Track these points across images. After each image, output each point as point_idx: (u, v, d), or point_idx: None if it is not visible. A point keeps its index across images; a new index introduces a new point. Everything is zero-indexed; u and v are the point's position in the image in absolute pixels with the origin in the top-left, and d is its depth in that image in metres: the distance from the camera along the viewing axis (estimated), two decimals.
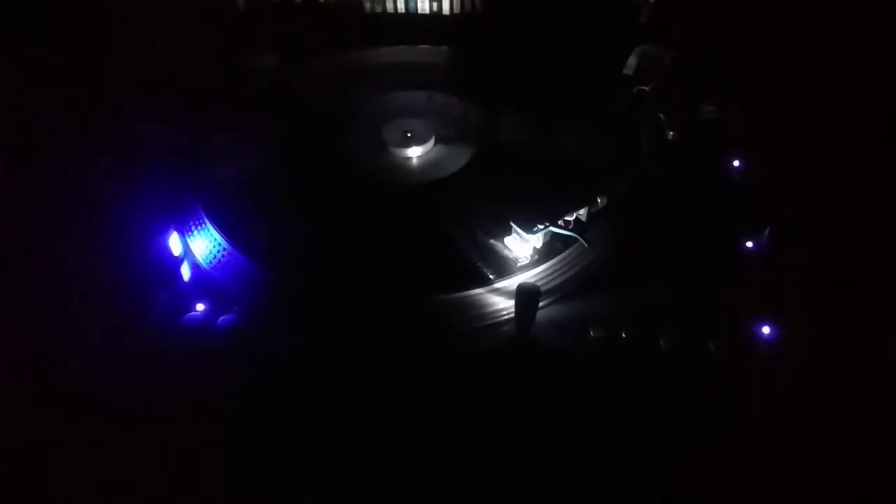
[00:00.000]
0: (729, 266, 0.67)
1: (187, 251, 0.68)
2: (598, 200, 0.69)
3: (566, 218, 0.67)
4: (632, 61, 0.87)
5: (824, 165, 0.77)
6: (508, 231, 0.66)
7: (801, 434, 0.56)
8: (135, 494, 0.55)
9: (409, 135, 0.79)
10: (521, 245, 0.66)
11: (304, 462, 0.56)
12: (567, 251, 0.66)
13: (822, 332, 0.61)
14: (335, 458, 0.56)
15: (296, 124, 0.85)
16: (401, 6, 1.02)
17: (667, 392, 0.58)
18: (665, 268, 0.67)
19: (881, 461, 0.55)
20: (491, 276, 0.64)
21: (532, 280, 0.63)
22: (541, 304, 0.62)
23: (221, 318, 0.62)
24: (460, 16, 1.02)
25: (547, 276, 0.65)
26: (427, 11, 1.02)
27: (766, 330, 0.61)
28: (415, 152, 0.79)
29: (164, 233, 0.65)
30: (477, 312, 0.63)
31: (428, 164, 0.78)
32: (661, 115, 0.81)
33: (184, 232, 0.70)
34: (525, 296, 0.59)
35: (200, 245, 0.70)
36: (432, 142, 0.79)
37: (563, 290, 0.65)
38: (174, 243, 0.66)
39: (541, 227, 0.65)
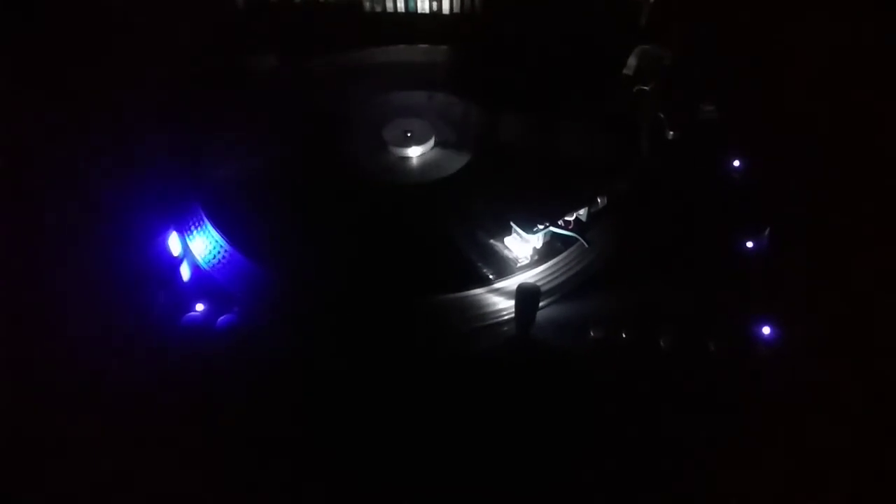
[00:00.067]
0: (729, 266, 0.67)
1: (187, 251, 0.68)
2: (598, 200, 0.69)
3: (566, 218, 0.67)
4: (632, 61, 0.87)
5: (824, 165, 0.77)
6: (508, 231, 0.66)
7: (801, 434, 0.56)
8: (135, 494, 0.55)
9: (408, 135, 0.79)
10: (521, 245, 0.66)
11: (305, 462, 0.56)
12: (567, 251, 0.66)
13: (822, 332, 0.61)
14: (335, 458, 0.56)
15: (295, 124, 0.85)
16: (400, 6, 1.02)
17: (667, 392, 0.58)
18: (665, 268, 0.67)
19: (881, 461, 0.55)
20: (491, 277, 0.64)
21: (532, 280, 0.63)
22: (541, 304, 0.62)
23: (221, 318, 0.62)
24: (460, 15, 1.02)
25: (547, 276, 0.65)
26: (427, 11, 1.02)
27: (766, 330, 0.61)
28: (415, 152, 0.79)
29: (163, 233, 0.65)
30: (477, 312, 0.63)
31: (428, 164, 0.78)
32: (661, 115, 0.81)
33: (183, 232, 0.70)
34: (525, 296, 0.59)
35: (200, 245, 0.70)
36: (432, 142, 0.79)
37: (563, 291, 0.65)
38: (174, 243, 0.65)
39: (541, 227, 0.65)
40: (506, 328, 0.63)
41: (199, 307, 0.63)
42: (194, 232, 0.71)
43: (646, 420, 0.57)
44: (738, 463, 0.55)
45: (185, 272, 0.67)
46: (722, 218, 0.71)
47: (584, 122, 0.82)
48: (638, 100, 0.84)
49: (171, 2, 1.02)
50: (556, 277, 0.66)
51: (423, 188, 0.75)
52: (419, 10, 1.02)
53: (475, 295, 0.64)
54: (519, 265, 0.65)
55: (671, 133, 0.80)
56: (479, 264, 0.65)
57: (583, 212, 0.67)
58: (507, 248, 0.66)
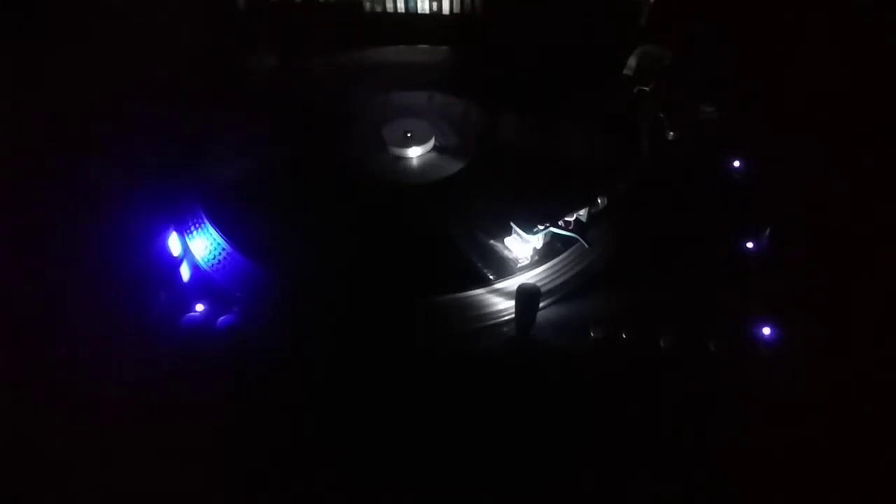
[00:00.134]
0: (729, 266, 0.67)
1: (186, 251, 0.68)
2: (599, 201, 0.69)
3: (566, 218, 0.67)
4: (632, 62, 0.87)
5: (824, 165, 0.77)
6: (509, 231, 0.66)
7: (801, 434, 0.56)
8: (134, 494, 0.55)
9: (409, 135, 0.79)
10: (521, 245, 0.66)
11: (305, 462, 0.56)
12: (567, 252, 0.66)
13: (822, 332, 0.61)
14: (335, 457, 0.56)
15: (295, 124, 0.85)
16: (400, 6, 1.02)
17: (667, 392, 0.58)
18: (665, 268, 0.67)
19: (881, 461, 0.55)
20: (491, 277, 0.64)
21: (532, 281, 0.63)
22: (541, 304, 0.62)
23: (221, 318, 0.62)
24: (460, 16, 1.02)
25: (547, 276, 0.65)
26: (427, 11, 1.02)
27: (766, 330, 0.61)
28: (415, 152, 0.79)
29: (163, 233, 0.65)
30: (477, 313, 0.63)
31: (428, 165, 0.78)
32: (661, 116, 0.81)
33: (183, 232, 0.70)
34: (525, 296, 0.59)
35: (200, 245, 0.70)
36: (432, 142, 0.79)
37: (563, 291, 0.65)
38: (174, 244, 0.65)
39: (541, 227, 0.65)
40: (506, 328, 0.63)
41: (199, 307, 0.63)
42: (194, 232, 0.71)
43: (646, 420, 0.57)
44: (738, 463, 0.55)
45: (185, 272, 0.67)
46: (722, 218, 0.71)
47: (584, 122, 0.82)
48: (638, 100, 0.84)
49: (171, 2, 1.02)
50: (557, 278, 0.66)
51: (423, 188, 0.75)
52: (419, 11, 1.02)
53: (475, 295, 0.64)
54: (519, 265, 0.65)
55: (671, 133, 0.80)
56: (480, 265, 0.65)
57: (583, 212, 0.67)
58: (507, 248, 0.66)
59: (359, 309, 0.64)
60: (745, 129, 0.82)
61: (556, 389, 0.59)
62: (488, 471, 0.55)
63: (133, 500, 0.55)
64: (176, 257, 0.66)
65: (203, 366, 0.59)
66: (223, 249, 0.68)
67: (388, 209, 0.72)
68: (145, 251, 0.65)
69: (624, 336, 0.61)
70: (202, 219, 0.71)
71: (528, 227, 0.65)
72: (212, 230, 0.70)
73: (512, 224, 0.65)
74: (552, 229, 0.65)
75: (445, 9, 1.02)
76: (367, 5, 1.02)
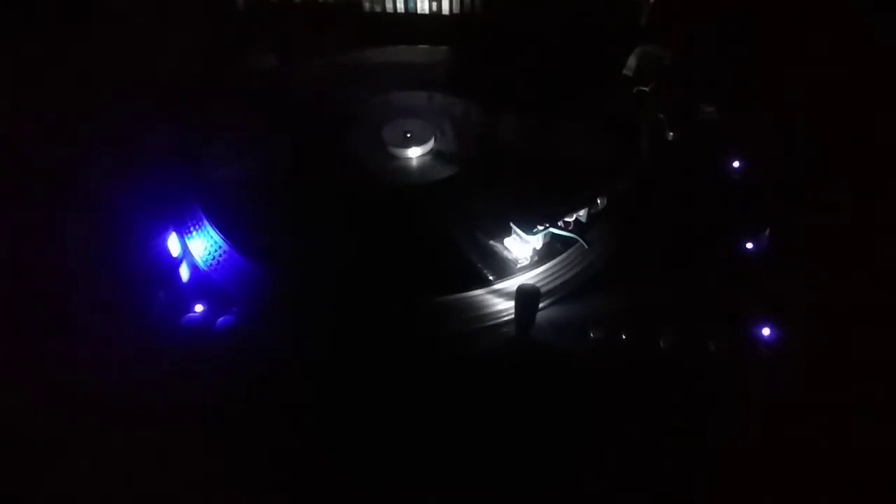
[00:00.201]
0: (729, 267, 0.67)
1: (186, 252, 0.68)
2: (598, 201, 0.69)
3: (566, 219, 0.67)
4: (632, 62, 0.87)
5: (824, 165, 0.77)
6: (508, 232, 0.66)
7: (801, 434, 0.56)
8: (135, 494, 0.55)
9: (408, 135, 0.79)
10: (520, 246, 0.66)
11: (304, 462, 0.56)
12: (567, 252, 0.66)
13: (822, 333, 0.61)
14: (335, 458, 0.56)
15: (295, 124, 0.85)
16: (400, 6, 1.02)
17: (667, 393, 0.58)
18: (665, 269, 0.67)
19: (881, 461, 0.55)
20: (491, 278, 0.64)
21: (532, 281, 0.63)
22: (541, 305, 0.62)
23: (220, 318, 0.62)
24: (460, 16, 1.02)
25: (547, 277, 0.65)
26: (426, 11, 1.02)
27: (766, 331, 0.61)
28: (414, 153, 0.79)
29: (162, 234, 0.65)
30: (477, 313, 0.63)
31: (427, 165, 0.78)
32: (661, 116, 0.81)
33: (182, 233, 0.70)
34: (525, 297, 0.59)
35: (199, 246, 0.70)
36: (432, 142, 0.79)
37: (562, 292, 0.65)
38: (173, 244, 0.65)
39: (541, 227, 0.65)
40: (505, 329, 0.63)
41: (199, 308, 0.63)
42: (193, 233, 0.71)
43: (646, 420, 0.57)
44: (738, 463, 0.55)
45: (185, 273, 0.67)
46: (722, 218, 0.71)
47: (584, 122, 0.81)
48: (638, 100, 0.84)
49: (171, 2, 1.02)
50: (556, 278, 0.66)
51: (422, 189, 0.75)
52: (419, 11, 1.02)
53: (475, 296, 0.64)
54: (519, 266, 0.65)
55: (671, 134, 0.80)
56: (479, 265, 0.65)
57: (583, 213, 0.67)
58: (506, 248, 0.66)
59: (358, 309, 0.64)
60: (745, 129, 0.82)
61: (555, 390, 0.59)
62: (488, 471, 0.55)
63: (133, 500, 0.55)
64: (175, 258, 0.66)
65: (203, 366, 0.59)
66: (222, 250, 0.68)
67: (388, 209, 0.72)
68: (144, 252, 0.65)
69: (624, 336, 0.61)
70: (201, 219, 0.71)
71: (528, 228, 0.65)
72: (211, 230, 0.70)
73: (511, 224, 0.65)
74: (552, 230, 0.65)
75: (445, 9, 1.02)
76: (367, 5, 1.02)
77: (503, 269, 0.65)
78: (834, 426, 0.56)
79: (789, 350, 0.60)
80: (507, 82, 0.89)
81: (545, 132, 0.83)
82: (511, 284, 0.63)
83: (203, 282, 0.67)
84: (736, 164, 0.77)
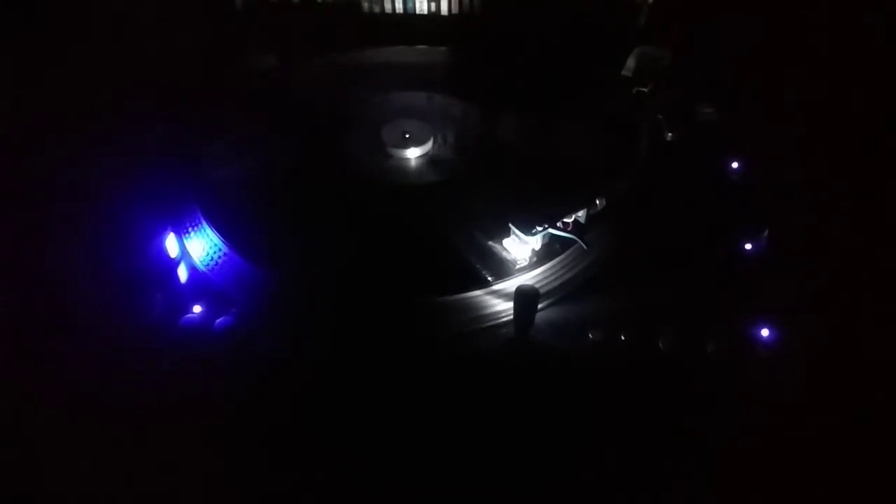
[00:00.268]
0: (728, 268, 0.67)
1: (184, 253, 0.68)
2: (597, 202, 0.69)
3: (565, 220, 0.67)
4: (630, 63, 0.87)
5: (824, 166, 0.77)
6: (507, 233, 0.66)
7: (800, 434, 0.56)
8: (134, 495, 0.55)
9: (407, 136, 0.79)
10: (519, 247, 0.66)
11: (303, 464, 0.56)
12: (566, 253, 0.66)
13: (822, 333, 0.61)
14: (334, 459, 0.56)
15: (294, 125, 0.85)
16: (399, 6, 1.02)
17: (666, 394, 0.58)
18: (664, 270, 0.67)
19: (881, 461, 0.55)
20: (490, 278, 0.64)
21: (531, 282, 0.63)
22: (539, 306, 0.62)
23: (219, 320, 0.62)
24: (458, 16, 1.02)
25: (546, 277, 0.65)
26: (425, 12, 1.02)
27: (764, 332, 0.61)
28: (413, 153, 0.79)
29: (160, 234, 0.65)
30: (476, 314, 0.63)
31: (426, 166, 0.78)
32: (660, 117, 0.81)
33: (180, 233, 0.70)
34: (524, 298, 0.59)
35: (197, 246, 0.70)
36: (431, 143, 0.79)
37: (561, 292, 0.65)
38: (171, 245, 0.65)
39: (540, 228, 0.65)
40: (504, 330, 0.63)
41: (197, 309, 0.63)
42: (191, 233, 0.71)
43: (645, 421, 0.57)
44: (737, 463, 0.55)
45: (183, 274, 0.67)
46: (721, 219, 0.71)
47: (582, 123, 0.81)
48: (637, 101, 0.84)
49: (171, 2, 1.02)
50: (555, 279, 0.66)
51: (421, 189, 0.75)
52: (418, 11, 1.02)
53: (474, 297, 0.64)
54: (518, 267, 0.65)
55: (670, 134, 0.80)
56: (478, 266, 0.65)
57: (581, 213, 0.67)
58: (505, 249, 0.66)
59: (357, 310, 0.64)
60: (744, 130, 0.81)
61: (554, 391, 0.59)
62: (487, 472, 0.54)
63: (132, 501, 0.55)
64: (173, 259, 0.66)
65: (201, 368, 0.59)
66: (221, 250, 0.68)
67: (387, 210, 0.72)
68: (142, 252, 0.65)
69: (623, 337, 0.61)
70: (200, 220, 0.71)
71: (527, 229, 0.65)
72: (209, 231, 0.70)
73: (510, 225, 0.65)
74: (551, 230, 0.65)
75: (444, 9, 1.02)
76: (366, 6, 1.02)
77: (502, 269, 0.65)
78: (834, 426, 0.56)
79: (789, 350, 0.60)
80: (506, 83, 0.89)
81: (544, 133, 0.83)
82: (510, 285, 0.63)
83: (201, 283, 0.67)
84: (735, 164, 0.77)
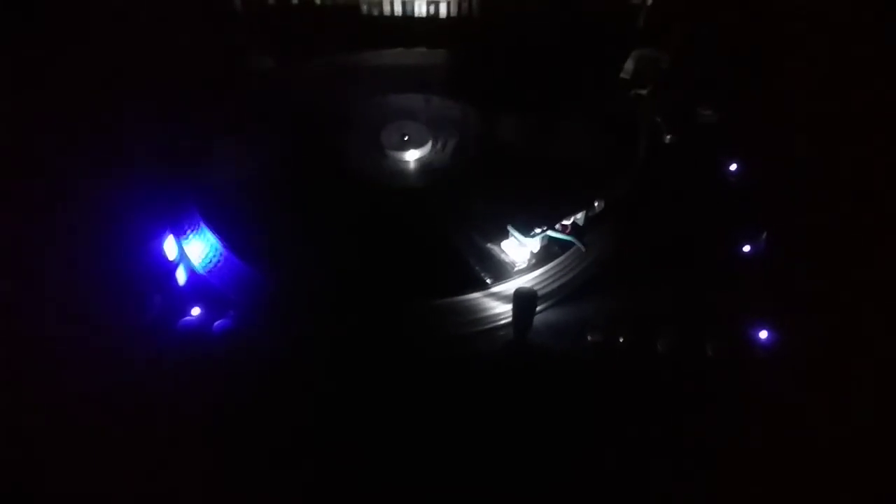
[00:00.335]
0: (726, 269, 0.67)
1: (183, 255, 0.68)
2: (596, 204, 0.69)
3: (563, 222, 0.67)
4: (629, 65, 0.87)
5: (823, 167, 0.77)
6: (506, 235, 0.66)
7: (799, 435, 0.56)
8: (134, 494, 0.55)
9: (406, 138, 0.79)
10: (518, 249, 0.66)
11: (303, 464, 0.56)
12: (564, 255, 0.66)
13: (820, 334, 0.61)
14: (333, 460, 0.56)
15: (293, 127, 0.85)
16: (398, 9, 1.02)
17: (664, 395, 0.58)
18: (662, 271, 0.67)
19: (881, 461, 0.55)
20: (488, 280, 0.64)
21: (529, 284, 0.63)
22: (538, 308, 0.62)
23: (217, 322, 0.62)
24: (457, 19, 1.02)
25: (544, 280, 0.65)
26: (424, 14, 1.02)
27: (763, 333, 0.61)
28: (412, 155, 0.78)
29: (159, 237, 0.65)
30: (474, 316, 0.63)
31: (425, 168, 0.78)
32: (659, 119, 0.81)
33: (179, 236, 0.70)
34: (522, 300, 0.59)
35: (196, 249, 0.70)
36: (429, 145, 0.79)
37: (560, 294, 0.65)
38: (169, 247, 0.65)
39: (538, 230, 0.65)
40: (503, 332, 0.63)
41: (196, 311, 0.63)
42: (190, 236, 0.71)
43: (643, 423, 0.57)
44: (737, 464, 0.55)
45: (181, 276, 0.67)
46: (719, 221, 0.71)
47: (581, 125, 0.81)
48: (635, 103, 0.84)
49: (171, 2, 1.02)
50: (554, 281, 0.66)
51: (420, 191, 0.75)
52: (416, 14, 1.02)
53: (473, 299, 0.64)
54: (516, 269, 0.65)
55: (669, 137, 0.80)
56: (477, 268, 0.65)
57: (580, 215, 0.67)
58: (504, 251, 0.66)
59: (356, 312, 0.64)
60: (744, 131, 0.81)
61: (553, 393, 0.59)
62: (486, 473, 0.55)
63: (132, 501, 0.55)
64: (172, 261, 0.66)
65: (199, 370, 0.59)
66: (220, 253, 0.68)
67: (386, 212, 0.72)
68: (141, 255, 0.65)
69: (621, 339, 0.61)
70: (198, 222, 0.71)
71: (526, 231, 0.65)
72: (208, 233, 0.70)
73: (509, 227, 0.65)
74: (549, 233, 0.65)
75: (443, 12, 1.01)
76: (365, 8, 1.02)
77: (501, 271, 0.65)
78: (833, 426, 0.56)
79: (788, 351, 0.60)
80: (505, 85, 0.89)
81: (543, 135, 0.83)
82: (508, 287, 0.63)
83: (200, 285, 0.67)
84: (733, 166, 0.77)
